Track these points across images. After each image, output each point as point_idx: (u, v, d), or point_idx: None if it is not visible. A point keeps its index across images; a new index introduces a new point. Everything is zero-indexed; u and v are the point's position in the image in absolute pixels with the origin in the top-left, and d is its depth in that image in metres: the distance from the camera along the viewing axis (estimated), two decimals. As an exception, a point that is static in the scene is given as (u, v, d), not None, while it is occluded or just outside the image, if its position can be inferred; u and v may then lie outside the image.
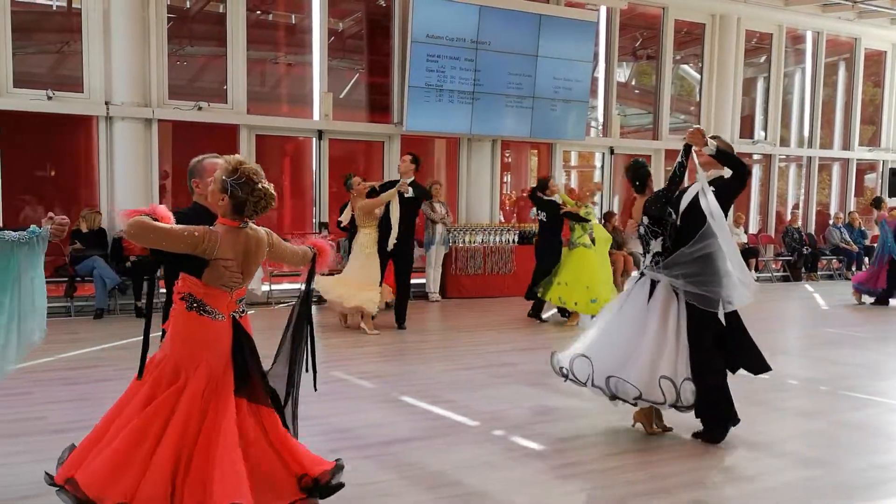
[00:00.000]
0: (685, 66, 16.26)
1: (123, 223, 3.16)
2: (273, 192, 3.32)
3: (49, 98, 9.73)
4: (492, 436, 5.13)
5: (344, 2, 12.57)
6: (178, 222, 3.32)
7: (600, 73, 14.00)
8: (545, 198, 9.78)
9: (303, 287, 3.84)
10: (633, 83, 16.54)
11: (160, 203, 8.17)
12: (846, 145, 17.07)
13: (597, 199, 11.23)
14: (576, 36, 12.58)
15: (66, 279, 9.53)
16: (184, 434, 3.24)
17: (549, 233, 9.80)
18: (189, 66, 12.00)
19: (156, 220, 3.21)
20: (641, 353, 4.81)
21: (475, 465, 4.55)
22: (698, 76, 15.35)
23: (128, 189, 10.10)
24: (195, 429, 3.26)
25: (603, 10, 13.63)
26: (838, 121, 17.11)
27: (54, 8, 11.62)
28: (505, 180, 14.74)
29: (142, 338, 3.49)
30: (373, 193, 8.95)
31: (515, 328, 9.43)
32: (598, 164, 14.85)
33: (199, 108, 10.55)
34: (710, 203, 4.80)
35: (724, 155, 4.92)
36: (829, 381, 6.90)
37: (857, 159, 17.20)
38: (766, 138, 15.90)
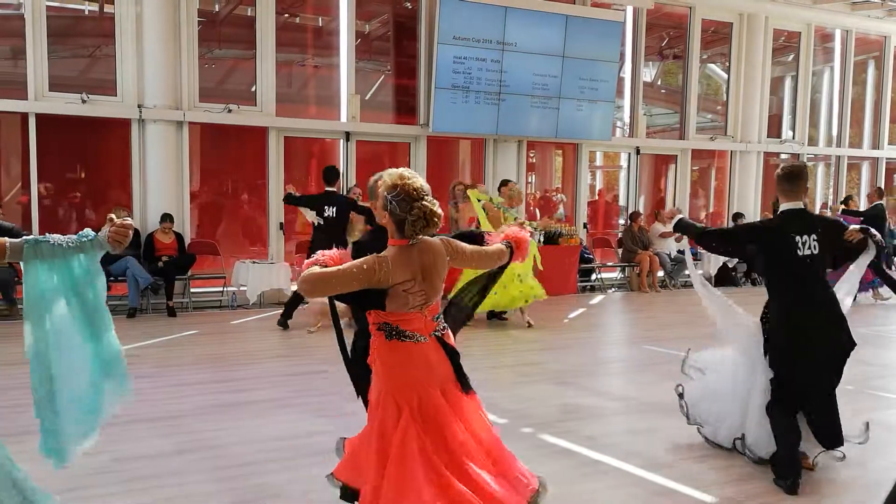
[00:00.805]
0: (712, 66, 16.20)
1: (298, 281, 3.01)
2: (436, 209, 3.09)
3: (83, 101, 9.93)
4: (520, 433, 5.19)
5: (371, 4, 12.68)
6: (357, 251, 3.20)
7: (626, 73, 13.99)
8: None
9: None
10: (660, 83, 16.51)
11: (191, 202, 8.33)
12: (875, 144, 16.92)
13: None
14: (602, 36, 12.60)
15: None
16: (433, 465, 3.06)
17: None
18: (218, 68, 12.17)
19: (325, 266, 3.03)
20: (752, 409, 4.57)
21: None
22: (725, 75, 15.30)
23: (160, 190, 10.29)
24: (439, 453, 3.09)
25: (629, 9, 13.62)
26: (867, 119, 16.96)
27: (87, 12, 11.84)
28: (530, 180, 14.77)
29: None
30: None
31: (542, 327, 9.46)
32: (623, 164, 14.85)
33: (229, 111, 10.71)
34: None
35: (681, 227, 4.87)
36: (855, 380, 6.87)
37: (887, 158, 17.03)
38: (794, 137, 15.80)
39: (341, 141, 11.73)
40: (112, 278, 9.71)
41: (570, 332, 9.39)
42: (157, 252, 9.94)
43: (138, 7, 10.09)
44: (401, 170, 3.14)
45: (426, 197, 3.08)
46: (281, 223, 11.16)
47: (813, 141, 16.30)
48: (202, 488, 4.14)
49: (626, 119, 14.29)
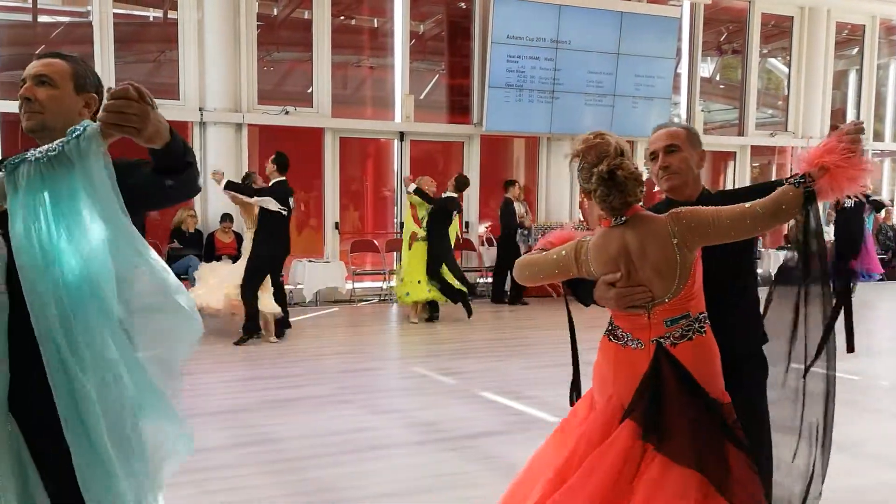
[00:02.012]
0: (773, 60, 15.85)
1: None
2: (631, 170, 2.38)
3: (148, 105, 10.24)
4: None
5: (425, 4, 12.78)
6: None
7: (683, 69, 13.81)
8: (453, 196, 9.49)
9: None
10: (718, 78, 16.24)
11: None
12: (945, 138, 16.36)
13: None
14: (658, 32, 12.47)
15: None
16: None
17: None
18: (276, 71, 12.41)
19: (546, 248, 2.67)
20: None
21: (555, 460, 4.63)
22: (786, 70, 14.97)
23: (220, 192, 10.52)
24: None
25: (686, 5, 13.44)
26: (937, 113, 16.41)
27: (152, 19, 12.20)
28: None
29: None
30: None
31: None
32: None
33: (286, 112, 10.92)
34: None
35: None
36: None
37: (958, 153, 16.47)
38: (858, 133, 15.36)
39: (395, 141, 11.84)
40: (184, 277, 10.00)
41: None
42: (217, 251, 10.18)
43: (200, 13, 10.36)
44: (586, 134, 2.49)
45: (607, 160, 2.38)
46: (336, 222, 11.33)
47: (879, 136, 15.82)
48: (257, 481, 4.26)
49: (683, 115, 14.09)
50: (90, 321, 1.75)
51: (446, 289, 9.27)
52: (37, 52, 11.25)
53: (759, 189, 2.47)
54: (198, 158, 9.20)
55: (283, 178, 8.17)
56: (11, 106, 9.84)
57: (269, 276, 7.98)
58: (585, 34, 11.97)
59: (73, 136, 1.72)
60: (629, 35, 12.23)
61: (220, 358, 7.40)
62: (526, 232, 11.44)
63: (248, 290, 7.72)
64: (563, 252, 2.55)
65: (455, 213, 9.48)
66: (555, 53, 11.83)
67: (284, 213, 7.85)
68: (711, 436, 2.34)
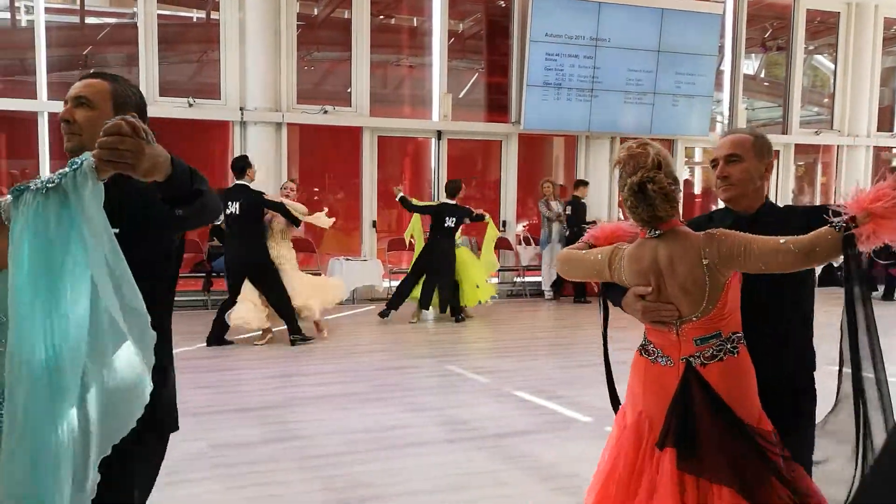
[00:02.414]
0: (819, 57, 15.55)
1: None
2: (663, 185, 2.32)
3: (190, 105, 10.42)
4: (605, 432, 5.14)
5: (464, 3, 12.79)
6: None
7: (726, 66, 13.62)
8: (450, 202, 9.45)
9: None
10: (763, 75, 15.98)
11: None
12: None
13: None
14: (700, 29, 12.30)
15: (203, 274, 10.17)
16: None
17: (450, 239, 9.45)
18: (316, 70, 12.53)
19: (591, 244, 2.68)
20: None
21: (588, 459, 4.58)
22: (832, 66, 14.67)
23: (260, 189, 10.67)
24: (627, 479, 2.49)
25: (729, 1, 13.25)
26: None
27: (195, 20, 12.40)
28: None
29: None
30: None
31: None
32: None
33: (325, 112, 11.02)
34: None
35: None
36: None
37: None
38: (907, 130, 15.01)
39: (433, 140, 11.88)
40: (215, 274, 10.16)
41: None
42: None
43: (242, 13, 10.50)
44: (630, 142, 2.47)
45: (641, 170, 2.34)
46: (374, 221, 11.41)
47: (927, 133, 15.43)
48: (291, 476, 4.32)
49: (725, 113, 13.90)
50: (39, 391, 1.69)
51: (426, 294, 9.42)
52: (84, 52, 11.55)
53: (821, 210, 2.30)
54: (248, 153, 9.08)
55: (240, 182, 7.83)
56: (61, 106, 10.11)
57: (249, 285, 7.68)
58: (625, 31, 11.87)
59: (72, 168, 1.69)
60: (670, 32, 12.10)
61: (256, 354, 7.51)
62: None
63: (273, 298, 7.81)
64: (600, 256, 2.54)
65: (451, 218, 9.32)
66: (594, 51, 11.75)
67: (217, 222, 7.29)
68: (744, 452, 2.30)
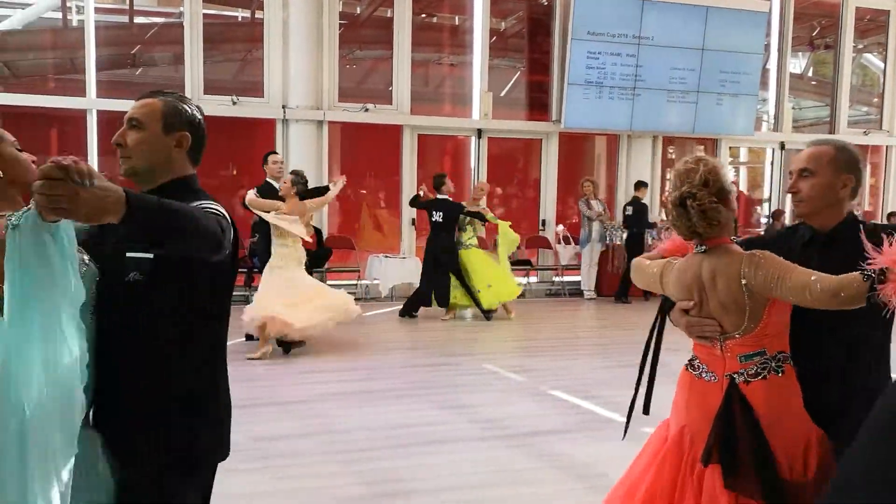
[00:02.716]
0: (868, 55, 15.21)
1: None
2: (703, 203, 2.35)
3: (234, 103, 10.58)
4: (641, 432, 5.11)
5: (506, 2, 12.78)
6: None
7: (772, 65, 13.40)
8: (440, 196, 9.36)
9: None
10: (810, 74, 15.69)
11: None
12: None
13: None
14: (745, 27, 12.12)
15: (245, 270, 10.31)
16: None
17: (446, 233, 9.35)
18: (357, 69, 12.62)
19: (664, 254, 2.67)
20: None
21: (622, 459, 4.54)
22: (882, 66, 14.34)
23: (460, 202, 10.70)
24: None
25: (776, -1, 13.04)
26: None
27: (240, 19, 12.59)
28: (668, 177, 14.43)
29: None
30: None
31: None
32: (768, 159, 14.23)
33: (366, 110, 11.10)
34: None
35: None
36: None
37: None
38: (960, 131, 14.60)
39: (473, 138, 11.89)
40: (256, 269, 10.29)
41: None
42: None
43: (285, 12, 10.62)
44: (695, 155, 2.51)
45: (686, 185, 2.38)
46: (413, 219, 11.45)
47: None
48: (326, 469, 4.38)
49: (771, 113, 13.68)
50: None
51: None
52: (132, 51, 11.80)
53: None
54: (282, 154, 9.23)
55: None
56: (109, 104, 10.37)
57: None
58: (669, 29, 11.75)
59: (10, 227, 1.61)
60: (715, 30, 11.95)
61: (295, 350, 7.59)
62: (654, 232, 11.47)
63: None
64: (655, 269, 2.59)
65: (438, 213, 9.28)
66: (637, 49, 11.66)
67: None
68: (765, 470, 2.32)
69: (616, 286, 11.46)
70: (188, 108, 2.19)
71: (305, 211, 7.45)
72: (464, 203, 9.70)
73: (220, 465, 4.30)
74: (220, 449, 2.20)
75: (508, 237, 9.74)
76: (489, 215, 9.79)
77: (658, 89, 11.87)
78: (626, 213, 11.29)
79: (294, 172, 7.86)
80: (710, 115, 12.27)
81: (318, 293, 7.38)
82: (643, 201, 11.39)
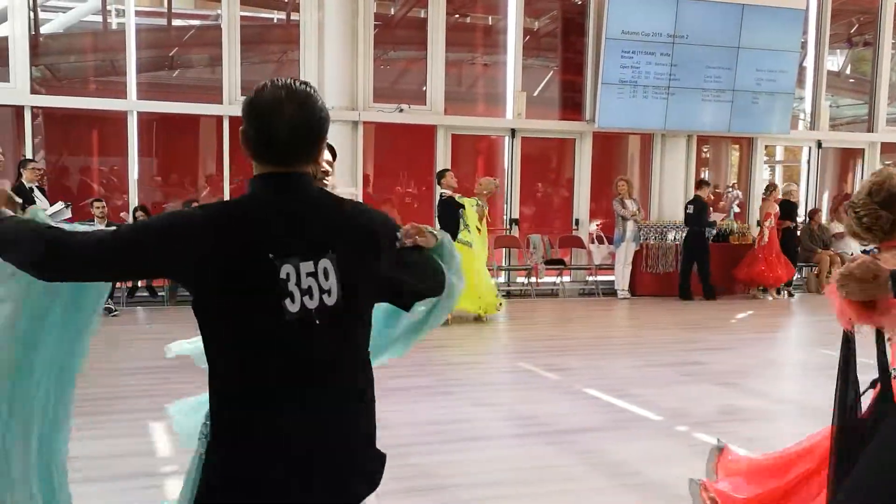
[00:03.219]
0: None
1: None
2: (856, 209, 2.55)
3: (272, 104, 10.70)
4: (674, 431, 5.16)
5: (540, 1, 12.79)
6: None
7: (809, 63, 13.25)
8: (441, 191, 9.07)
9: None
10: (849, 71, 15.47)
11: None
12: None
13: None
14: (782, 25, 12.01)
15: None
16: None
17: (447, 231, 8.98)
18: (392, 69, 12.72)
19: None
20: None
21: (656, 458, 4.61)
22: (923, 62, 14.10)
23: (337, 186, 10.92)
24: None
25: (812, -4, 12.90)
26: None
27: (275, 21, 12.75)
28: (703, 176, 14.33)
29: None
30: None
31: (707, 327, 9.22)
32: (804, 158, 14.06)
33: (401, 110, 11.18)
34: None
35: None
36: None
37: None
38: None
39: (506, 138, 11.92)
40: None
41: (737, 333, 9.09)
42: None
43: (321, 14, 10.74)
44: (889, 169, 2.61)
45: (858, 194, 2.58)
46: (447, 218, 11.51)
47: None
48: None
49: (808, 111, 13.53)
50: None
51: None
52: (170, 53, 12.01)
53: None
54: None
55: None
56: (149, 106, 10.59)
57: None
58: (704, 28, 11.68)
59: None
60: (750, 28, 11.85)
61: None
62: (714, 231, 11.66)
63: None
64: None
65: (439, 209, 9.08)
66: (671, 48, 11.61)
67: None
68: None
69: (650, 285, 11.44)
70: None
71: None
72: (454, 197, 9.14)
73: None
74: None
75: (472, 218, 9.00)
76: (464, 201, 9.06)
77: (693, 88, 11.81)
78: (688, 211, 11.26)
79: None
80: (745, 114, 12.18)
81: None
82: (704, 200, 11.34)
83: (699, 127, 12.23)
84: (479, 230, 9.10)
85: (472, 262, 8.50)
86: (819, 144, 13.33)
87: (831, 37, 13.33)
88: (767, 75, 12.14)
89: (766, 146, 13.65)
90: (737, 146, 14.52)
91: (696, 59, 11.74)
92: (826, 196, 14.42)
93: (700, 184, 11.66)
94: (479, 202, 9.07)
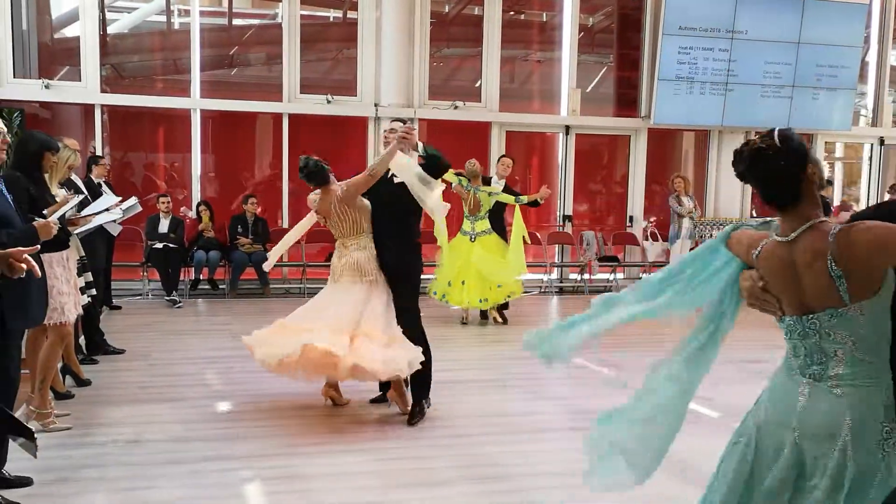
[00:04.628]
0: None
1: None
2: None
3: (328, 102, 10.91)
4: (733, 428, 5.11)
5: (595, -3, 12.78)
6: None
7: (872, 58, 12.98)
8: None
9: None
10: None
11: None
12: None
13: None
14: (844, 19, 11.81)
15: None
16: None
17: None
18: (446, 66, 12.82)
19: None
20: None
21: (714, 454, 4.61)
22: None
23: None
24: None
25: (876, -11, 12.63)
26: None
27: (332, 19, 12.94)
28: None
29: None
30: None
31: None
32: (866, 155, 13.78)
33: (455, 107, 11.27)
34: None
35: None
36: None
37: None
38: None
39: (560, 134, 11.93)
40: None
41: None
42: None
43: (378, 11, 10.90)
44: None
45: None
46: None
47: None
48: (429, 452, 4.59)
49: (870, 107, 13.25)
50: None
51: None
52: (231, 52, 12.28)
53: None
54: (371, 152, 9.46)
55: None
56: (213, 104, 10.85)
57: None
58: (764, 23, 11.55)
59: None
60: (812, 23, 11.68)
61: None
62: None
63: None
64: None
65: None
66: (730, 44, 11.50)
67: None
68: None
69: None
70: None
71: None
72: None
73: (332, 444, 4.55)
74: None
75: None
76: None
77: (751, 84, 11.68)
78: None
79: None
80: (805, 110, 12.01)
81: None
82: (827, 200, 11.17)
83: (757, 123, 12.05)
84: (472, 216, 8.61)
85: (468, 253, 8.33)
86: (881, 141, 13.05)
87: (895, 31, 13.02)
88: (829, 70, 11.96)
89: (826, 143, 13.41)
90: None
91: (756, 54, 11.61)
92: (888, 194, 14.10)
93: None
94: (463, 183, 8.47)
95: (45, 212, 4.20)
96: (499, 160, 9.31)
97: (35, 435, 2.73)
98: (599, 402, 5.60)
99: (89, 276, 5.65)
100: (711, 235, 11.35)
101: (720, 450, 4.67)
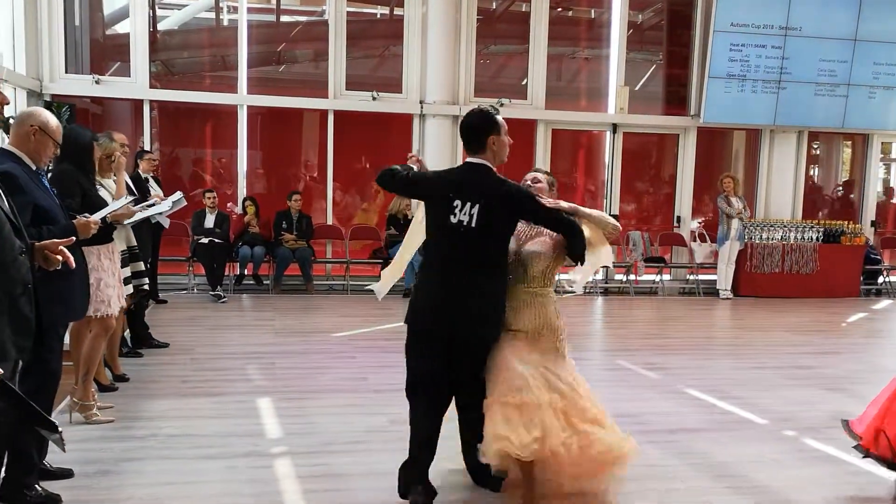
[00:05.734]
0: None
1: None
2: None
3: (374, 98, 10.92)
4: (781, 435, 5.02)
5: (644, -6, 12.57)
6: None
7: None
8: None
9: None
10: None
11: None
12: None
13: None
14: (903, 15, 11.46)
15: (381, 261, 10.64)
16: None
17: None
18: (492, 63, 12.74)
19: None
20: None
21: (761, 461, 4.51)
22: None
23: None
24: None
25: (938, -16, 12.19)
26: None
27: (378, 16, 12.96)
28: (811, 173, 13.79)
29: None
30: None
31: (816, 330, 8.89)
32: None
33: (501, 105, 11.18)
34: None
35: None
36: None
37: None
38: None
39: (608, 133, 11.77)
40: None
41: (848, 336, 8.73)
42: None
43: (424, 8, 10.86)
44: None
45: None
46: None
47: None
48: (453, 451, 4.52)
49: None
50: None
51: None
52: (278, 48, 12.37)
53: None
54: (417, 149, 9.44)
55: None
56: (259, 100, 10.94)
57: None
58: (819, 19, 11.25)
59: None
60: (869, 19, 11.35)
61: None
62: None
63: None
64: None
65: None
66: (783, 41, 11.22)
67: None
68: None
69: (755, 286, 11.12)
70: None
71: None
72: None
73: (364, 444, 4.51)
74: None
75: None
76: None
77: (805, 82, 11.39)
78: None
79: None
80: (861, 109, 11.69)
81: None
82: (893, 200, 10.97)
83: (811, 122, 11.78)
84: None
85: None
86: (941, 141, 12.63)
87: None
88: (886, 69, 11.63)
89: (883, 143, 13.01)
90: (849, 142, 13.90)
91: (810, 51, 11.32)
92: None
93: None
94: None
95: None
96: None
97: (59, 428, 2.72)
98: (642, 406, 5.56)
99: (140, 266, 5.70)
100: (761, 237, 11.15)
101: (768, 457, 4.56)
